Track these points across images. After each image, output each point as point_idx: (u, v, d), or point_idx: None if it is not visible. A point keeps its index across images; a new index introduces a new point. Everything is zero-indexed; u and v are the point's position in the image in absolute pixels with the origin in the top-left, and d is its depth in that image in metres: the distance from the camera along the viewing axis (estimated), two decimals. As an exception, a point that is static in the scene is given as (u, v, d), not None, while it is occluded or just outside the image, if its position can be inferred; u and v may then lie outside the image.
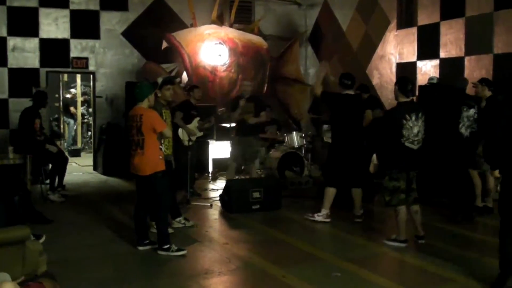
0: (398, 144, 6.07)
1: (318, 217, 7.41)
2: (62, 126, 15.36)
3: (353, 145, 7.34)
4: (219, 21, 12.29)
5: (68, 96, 16.01)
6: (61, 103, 16.64)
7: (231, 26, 12.33)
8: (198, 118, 8.70)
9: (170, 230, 6.36)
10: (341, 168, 7.34)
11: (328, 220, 7.39)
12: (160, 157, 6.00)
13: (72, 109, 15.89)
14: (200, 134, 8.80)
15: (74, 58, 11.79)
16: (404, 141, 6.05)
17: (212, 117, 9.14)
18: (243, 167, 10.14)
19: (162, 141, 6.24)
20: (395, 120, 6.12)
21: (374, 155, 9.84)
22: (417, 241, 6.38)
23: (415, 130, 6.07)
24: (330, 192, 7.39)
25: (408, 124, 6.03)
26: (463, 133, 7.47)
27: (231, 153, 9.38)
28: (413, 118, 6.06)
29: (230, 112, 9.28)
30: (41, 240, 5.95)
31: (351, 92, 7.40)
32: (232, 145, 9.38)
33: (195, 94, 8.90)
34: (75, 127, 15.75)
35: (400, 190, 6.18)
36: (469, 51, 9.41)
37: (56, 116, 15.37)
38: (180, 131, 8.44)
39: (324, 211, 7.41)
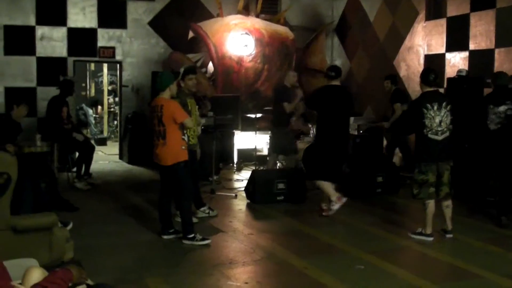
0: (422, 135, 6.01)
1: (334, 207, 7.16)
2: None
3: (338, 138, 7.16)
4: (245, 11, 12.25)
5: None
6: (87, 92, 16.86)
7: (257, 16, 12.29)
8: (197, 106, 8.73)
9: (194, 220, 6.41)
10: (327, 163, 7.19)
11: (344, 200, 7.14)
12: (183, 147, 6.02)
13: (100, 109, 16.09)
14: (203, 121, 8.73)
15: (101, 47, 11.87)
16: (427, 132, 5.98)
17: (207, 102, 9.12)
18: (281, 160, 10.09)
19: (186, 131, 6.25)
20: (415, 110, 6.07)
21: (397, 148, 9.83)
22: (444, 235, 6.31)
23: (437, 119, 5.98)
24: (324, 184, 7.21)
25: (429, 113, 5.96)
26: (492, 128, 6.96)
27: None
28: (435, 107, 5.97)
29: (277, 102, 8.97)
30: (69, 227, 6.03)
31: (336, 83, 7.24)
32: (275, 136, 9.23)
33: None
34: (93, 116, 15.92)
35: (429, 183, 6.10)
36: (499, 43, 9.23)
37: (83, 105, 15.57)
38: None
39: (334, 197, 7.15)
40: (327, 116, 7.16)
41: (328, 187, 7.23)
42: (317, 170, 7.30)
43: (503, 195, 7.02)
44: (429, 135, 6.00)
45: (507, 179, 7.02)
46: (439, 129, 6.00)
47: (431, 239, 6.22)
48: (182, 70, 6.88)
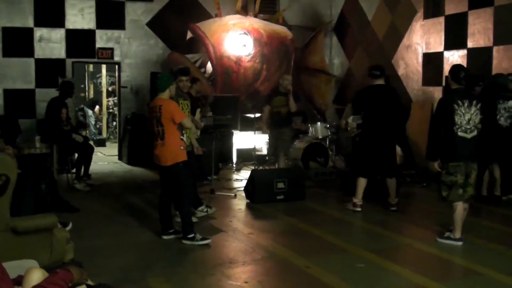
0: (451, 133, 5.84)
1: (349, 206, 7.57)
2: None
3: (385, 135, 7.38)
4: (244, 11, 12.25)
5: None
6: (86, 94, 16.86)
7: (255, 16, 12.29)
8: (199, 109, 8.78)
9: (194, 220, 6.41)
10: (372, 159, 7.39)
11: (359, 210, 7.47)
12: (182, 147, 6.02)
13: (97, 109, 16.08)
14: (202, 125, 8.82)
15: (99, 48, 11.86)
16: (456, 129, 5.83)
17: (207, 107, 9.27)
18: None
19: (185, 132, 6.24)
20: (446, 105, 5.90)
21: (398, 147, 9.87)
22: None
23: (467, 117, 5.84)
24: (361, 183, 7.45)
25: (460, 110, 5.82)
26: (502, 124, 7.57)
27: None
28: (466, 104, 5.84)
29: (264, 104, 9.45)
30: (68, 228, 6.03)
31: (380, 82, 7.40)
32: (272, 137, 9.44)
33: (198, 86, 8.92)
34: (93, 118, 15.90)
35: (458, 184, 5.92)
36: (497, 41, 9.24)
37: (82, 106, 15.56)
38: None
39: (356, 200, 7.49)
40: (373, 116, 7.37)
41: (362, 186, 7.45)
42: (361, 167, 7.51)
43: None
44: (459, 133, 5.84)
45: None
46: (468, 127, 5.85)
47: (460, 243, 6.01)
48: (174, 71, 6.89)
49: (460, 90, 6.01)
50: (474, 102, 5.91)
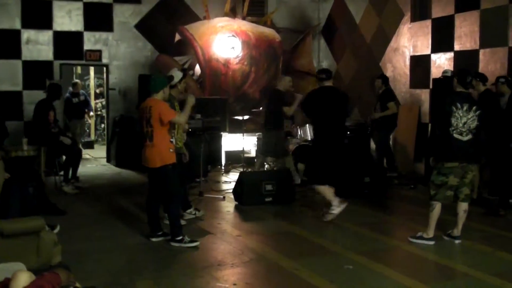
0: (447, 134, 5.89)
1: (334, 211, 7.06)
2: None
3: (335, 139, 7.10)
4: (232, 13, 12.28)
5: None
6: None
7: (244, 18, 12.31)
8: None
9: (182, 222, 6.40)
10: (325, 166, 7.06)
11: (344, 205, 7.03)
12: (171, 149, 6.01)
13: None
14: (187, 127, 8.78)
15: (87, 50, 11.84)
16: (452, 131, 5.87)
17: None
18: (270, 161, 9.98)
19: (173, 134, 6.24)
20: (445, 106, 5.94)
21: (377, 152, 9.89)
22: (452, 241, 6.19)
23: (463, 120, 5.88)
24: (323, 189, 7.09)
25: (457, 112, 5.86)
26: None
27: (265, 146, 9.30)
28: (465, 108, 5.87)
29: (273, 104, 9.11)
30: (55, 230, 6.01)
31: (328, 84, 7.17)
32: (269, 138, 9.20)
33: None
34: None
35: (448, 186, 5.97)
36: (484, 44, 9.32)
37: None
38: None
39: (334, 202, 7.05)
40: (322, 118, 7.09)
41: (327, 191, 7.11)
42: (316, 174, 7.15)
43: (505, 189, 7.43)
44: (454, 135, 5.88)
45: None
46: (463, 130, 5.88)
47: (432, 243, 6.08)
48: (175, 72, 6.83)
49: (463, 94, 6.03)
50: (474, 108, 5.94)
